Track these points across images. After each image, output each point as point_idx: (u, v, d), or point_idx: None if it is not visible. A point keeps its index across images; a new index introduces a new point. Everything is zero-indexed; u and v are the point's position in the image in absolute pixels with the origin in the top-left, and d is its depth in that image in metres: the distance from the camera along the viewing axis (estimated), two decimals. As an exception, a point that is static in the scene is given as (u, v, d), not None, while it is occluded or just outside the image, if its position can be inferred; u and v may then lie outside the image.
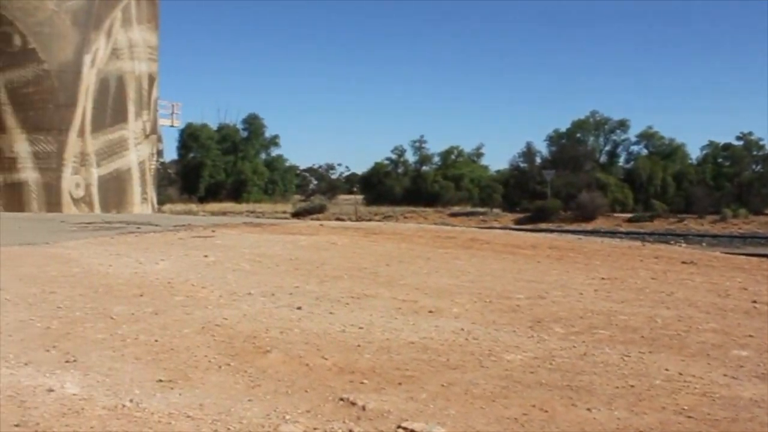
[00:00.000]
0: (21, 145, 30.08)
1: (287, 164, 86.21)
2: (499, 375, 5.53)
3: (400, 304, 8.43)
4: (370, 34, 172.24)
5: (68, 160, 30.46)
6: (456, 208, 68.80)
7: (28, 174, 30.21)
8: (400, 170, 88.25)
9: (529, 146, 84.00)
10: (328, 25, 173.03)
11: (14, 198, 30.17)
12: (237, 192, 75.77)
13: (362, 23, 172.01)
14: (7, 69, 29.93)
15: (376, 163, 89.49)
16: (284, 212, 59.84)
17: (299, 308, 7.99)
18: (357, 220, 35.78)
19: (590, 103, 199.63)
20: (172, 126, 42.05)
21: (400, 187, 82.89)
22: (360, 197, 78.79)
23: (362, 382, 5.29)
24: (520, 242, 16.92)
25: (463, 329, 7.08)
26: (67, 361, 5.70)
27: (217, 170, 76.94)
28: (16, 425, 4.33)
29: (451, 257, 13.52)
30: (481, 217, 62.05)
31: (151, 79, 33.76)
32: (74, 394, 4.90)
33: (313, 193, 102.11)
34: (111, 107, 31.53)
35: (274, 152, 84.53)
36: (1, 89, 30.00)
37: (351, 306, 8.30)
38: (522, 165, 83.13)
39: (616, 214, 63.54)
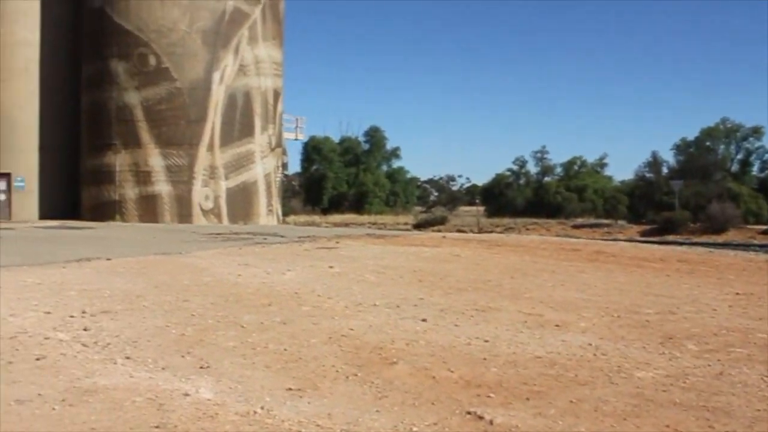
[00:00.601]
0: (155, 159, 31.45)
1: (408, 176, 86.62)
2: (630, 393, 5.37)
3: (526, 318, 8.33)
4: (490, 45, 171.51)
5: (198, 173, 31.63)
6: (579, 220, 67.37)
7: (162, 187, 31.53)
8: (521, 181, 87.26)
9: (655, 156, 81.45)
10: (448, 37, 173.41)
11: (149, 209, 31.55)
12: (359, 204, 76.69)
13: (481, 34, 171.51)
14: (143, 88, 31.41)
15: (498, 175, 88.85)
16: (406, 224, 60.12)
17: (424, 320, 8.01)
18: (479, 232, 35.58)
19: (720, 109, 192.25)
20: (296, 139, 43.12)
21: (521, 199, 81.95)
22: (481, 209, 78.28)
23: (489, 396, 5.24)
24: (647, 255, 16.44)
25: (590, 344, 6.93)
26: (201, 367, 5.90)
27: (340, 182, 78.13)
28: (156, 427, 4.51)
29: (576, 270, 13.26)
30: (605, 228, 60.49)
31: (276, 94, 34.66)
32: (208, 399, 5.06)
33: (433, 204, 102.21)
34: (238, 122, 32.54)
35: (396, 164, 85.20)
36: (138, 107, 31.47)
37: (476, 318, 8.25)
38: (648, 175, 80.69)
39: (749, 226, 60.77)
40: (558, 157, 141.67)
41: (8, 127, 35.14)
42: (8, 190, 35.34)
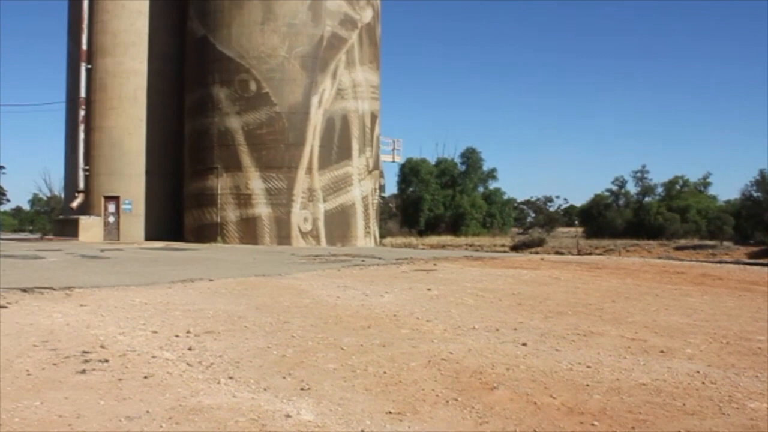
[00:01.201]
0: (255, 182, 32.16)
1: (505, 197, 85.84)
2: (743, 424, 5.15)
3: (629, 343, 8.11)
4: (585, 65, 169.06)
5: (297, 195, 32.17)
6: (682, 242, 65.35)
7: (262, 209, 32.19)
8: (621, 202, 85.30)
9: (763, 174, 78.41)
10: (543, 58, 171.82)
11: (249, 231, 32.25)
12: (455, 225, 76.39)
13: (576, 55, 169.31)
14: (244, 113, 32.24)
15: (596, 195, 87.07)
16: (503, 245, 59.55)
17: (524, 344, 7.89)
18: (578, 254, 34.94)
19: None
20: (393, 161, 43.26)
21: (621, 220, 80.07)
22: (580, 230, 76.87)
23: (593, 424, 5.11)
24: (756, 278, 15.82)
25: (698, 372, 6.69)
26: (301, 389, 5.95)
27: (436, 204, 78.06)
28: (259, 449, 4.57)
29: (680, 294, 12.86)
30: (710, 250, 58.47)
31: (374, 117, 35.00)
32: (309, 421, 5.10)
33: (531, 226, 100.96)
34: (336, 145, 32.99)
35: (492, 185, 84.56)
36: (239, 131, 32.30)
37: (577, 343, 8.08)
38: (755, 194, 77.69)
39: None
40: (659, 176, 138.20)
41: (118, 153, 36.60)
42: (117, 213, 36.76)
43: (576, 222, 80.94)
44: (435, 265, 18.34)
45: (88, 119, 37.29)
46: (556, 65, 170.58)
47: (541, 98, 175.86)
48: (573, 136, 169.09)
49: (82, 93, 37.46)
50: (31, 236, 57.08)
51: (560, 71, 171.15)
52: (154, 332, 8.32)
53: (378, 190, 36.74)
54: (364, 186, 34.10)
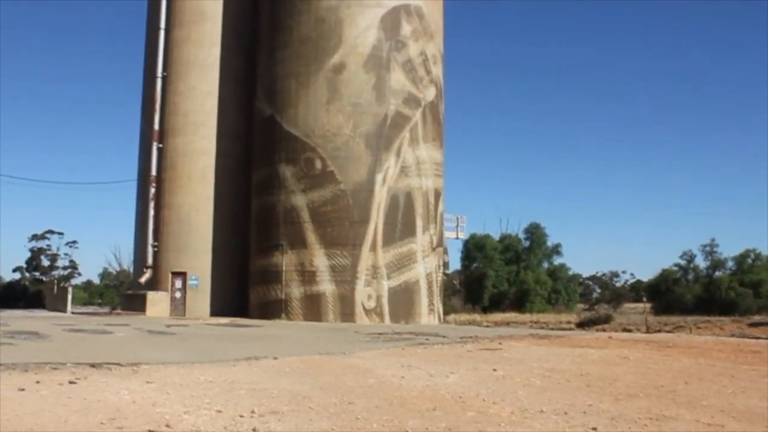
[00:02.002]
0: (320, 260, 32.38)
1: (570, 273, 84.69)
2: None
3: (705, 428, 7.81)
4: (651, 135, 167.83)
5: (361, 272, 32.24)
6: (756, 318, 63.21)
7: (326, 286, 32.32)
8: (690, 276, 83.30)
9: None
10: (605, 134, 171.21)
11: (313, 308, 32.34)
12: (520, 302, 75.42)
13: (640, 129, 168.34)
14: (310, 190, 32.71)
15: (664, 270, 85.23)
16: (568, 322, 58.39)
17: (594, 429, 7.66)
18: (647, 332, 34.04)
19: None
20: (456, 238, 43.19)
21: (690, 295, 78.08)
22: (648, 306, 75.13)
23: None
24: (839, 359, 15.16)
25: (781, 460, 6.38)
26: (367, 475, 5.85)
27: (500, 280, 77.35)
28: None
29: (758, 375, 12.39)
30: (787, 328, 56.46)
31: (437, 194, 35.13)
32: None
33: (597, 302, 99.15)
34: (400, 222, 33.12)
35: (557, 261, 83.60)
36: (304, 209, 32.72)
37: (650, 428, 7.82)
38: (834, 269, 75.19)
39: None
40: (729, 250, 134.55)
41: (186, 229, 37.37)
42: (184, 288, 37.33)
43: (643, 297, 79.03)
44: (500, 343, 18.07)
45: (158, 196, 38.26)
46: (618, 139, 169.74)
47: (605, 172, 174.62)
48: (639, 209, 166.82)
49: (153, 171, 38.56)
50: (100, 310, 58.16)
51: (624, 144, 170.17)
52: (219, 411, 8.32)
53: (442, 267, 36.59)
54: (428, 263, 34.03)
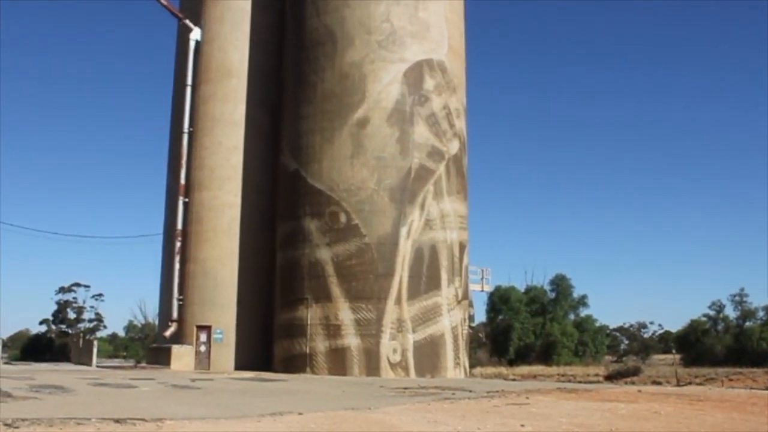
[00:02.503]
0: (344, 313, 32.30)
1: (597, 324, 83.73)
2: None
3: (740, 489, 7.64)
4: (677, 187, 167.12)
5: (386, 326, 32.10)
6: (790, 370, 62.04)
7: (351, 340, 32.17)
8: (719, 327, 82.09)
9: None
10: (631, 183, 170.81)
11: (338, 362, 32.18)
12: (546, 354, 74.60)
13: (667, 179, 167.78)
14: (334, 244, 32.78)
15: (692, 320, 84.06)
16: (596, 375, 57.63)
17: (625, 489, 7.52)
18: (677, 385, 33.48)
19: None
20: (482, 291, 42.95)
21: (721, 346, 76.87)
22: (677, 357, 74.00)
23: None
24: None
25: None
26: None
27: (526, 332, 76.62)
28: None
29: (793, 432, 12.14)
30: (821, 380, 55.25)
31: (462, 247, 35.06)
32: None
33: (625, 353, 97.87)
34: (425, 275, 33.04)
35: (583, 312, 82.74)
36: (329, 262, 32.76)
37: (682, 488, 7.66)
38: None
39: None
40: (759, 299, 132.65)
41: (212, 283, 37.52)
42: (208, 342, 37.34)
43: (673, 349, 77.96)
44: (527, 398, 17.85)
45: (184, 250, 38.52)
46: (644, 189, 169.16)
47: (631, 222, 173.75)
48: (666, 259, 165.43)
49: (179, 225, 38.90)
50: (125, 363, 58.23)
51: (649, 194, 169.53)
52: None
53: (467, 320, 36.36)
54: (453, 316, 33.84)
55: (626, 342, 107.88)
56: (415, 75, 34.09)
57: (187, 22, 40.66)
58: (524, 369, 62.44)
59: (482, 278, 41.90)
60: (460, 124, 35.78)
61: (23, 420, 11.80)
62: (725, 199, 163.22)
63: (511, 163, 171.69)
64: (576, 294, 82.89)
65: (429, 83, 34.35)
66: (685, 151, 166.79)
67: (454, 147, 34.97)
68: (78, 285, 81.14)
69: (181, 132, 39.61)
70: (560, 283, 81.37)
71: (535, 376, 50.87)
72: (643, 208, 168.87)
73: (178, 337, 37.80)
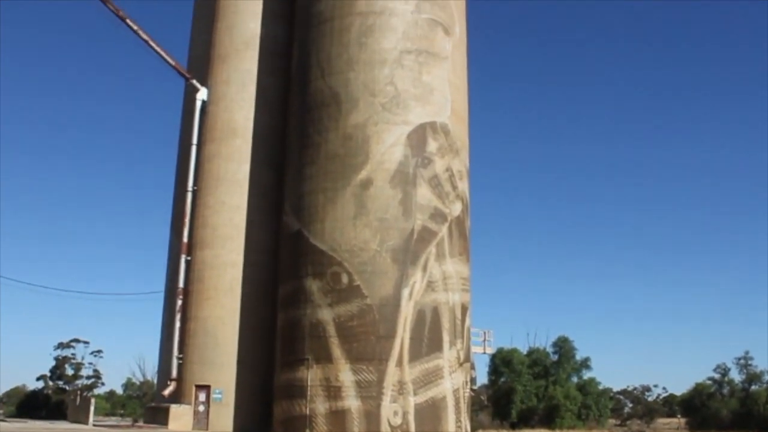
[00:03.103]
0: (345, 375, 32.01)
1: (600, 387, 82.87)
2: None
3: None
4: (681, 247, 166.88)
5: (387, 388, 31.78)
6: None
7: (351, 402, 31.82)
8: (725, 390, 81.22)
9: None
10: (634, 244, 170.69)
11: (338, 424, 31.79)
12: (549, 417, 73.63)
13: (664, 233, 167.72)
14: (336, 305, 32.64)
15: (697, 384, 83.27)
16: (599, 439, 57.00)
17: None
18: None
19: None
20: (484, 353, 42.63)
21: (726, 410, 75.96)
22: (682, 421, 73.16)
23: None
24: None
25: None
26: None
27: (528, 395, 75.78)
28: None
29: None
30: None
31: (464, 309, 34.90)
32: None
33: (629, 417, 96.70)
34: (427, 337, 32.82)
35: (586, 375, 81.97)
36: (330, 323, 32.59)
37: None
38: None
39: None
40: (764, 363, 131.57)
41: (212, 342, 37.29)
42: (207, 402, 36.98)
43: (677, 413, 77.11)
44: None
45: (185, 309, 38.41)
46: (646, 248, 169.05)
47: (634, 282, 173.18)
48: (669, 321, 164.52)
49: (181, 283, 38.87)
50: (122, 422, 57.54)
51: (652, 254, 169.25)
52: None
53: (469, 383, 36.00)
54: (455, 379, 33.53)
55: (630, 405, 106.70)
56: (418, 137, 34.35)
57: (195, 82, 41.24)
58: (526, 432, 61.66)
59: (484, 340, 41.62)
60: (463, 186, 35.92)
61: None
62: (730, 260, 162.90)
63: (513, 225, 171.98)
64: (579, 356, 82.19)
65: (432, 146, 34.60)
66: (688, 207, 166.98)
67: (456, 209, 35.06)
68: (77, 341, 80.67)
69: (186, 190, 39.83)
70: (563, 345, 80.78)
71: (537, 440, 50.18)
72: (646, 268, 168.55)
73: (177, 396, 37.44)
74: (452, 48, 36.96)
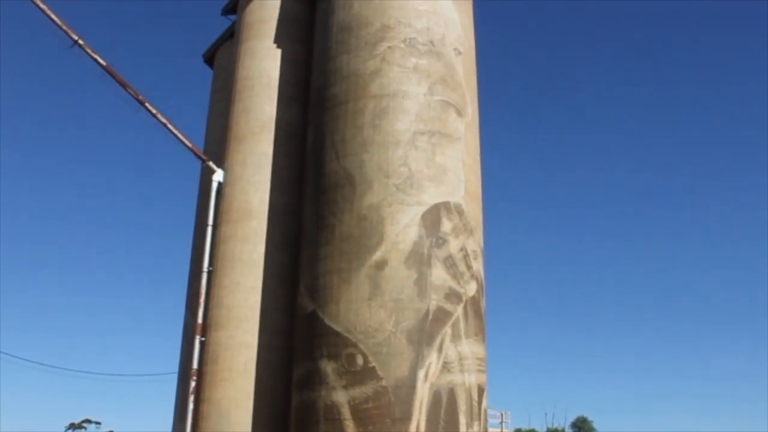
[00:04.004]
0: (360, 459, 31.48)
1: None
2: None
3: None
4: (700, 316, 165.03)
5: (403, 472, 31.19)
6: None
7: (366, 487, 31.23)
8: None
9: None
10: (652, 316, 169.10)
11: None
12: (568, 500, 72.19)
13: (689, 305, 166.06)
14: (351, 387, 32.30)
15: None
16: None
17: None
18: None
19: None
20: (501, 435, 42.07)
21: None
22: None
23: None
24: None
25: None
26: None
27: (547, 477, 74.37)
28: None
29: None
30: None
31: (481, 390, 34.45)
32: None
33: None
34: (443, 419, 32.31)
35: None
36: (345, 405, 32.20)
37: None
38: None
39: None
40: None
41: (225, 425, 36.91)
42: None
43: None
44: None
45: (198, 390, 38.18)
46: (668, 320, 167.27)
47: (656, 357, 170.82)
48: (694, 398, 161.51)
49: (195, 364, 38.74)
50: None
51: (675, 327, 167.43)
52: None
53: (486, 466, 35.33)
54: (472, 462, 32.91)
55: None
56: (432, 218, 34.46)
57: (211, 164, 41.82)
58: None
59: (501, 422, 41.14)
60: (478, 266, 35.87)
61: None
62: (753, 333, 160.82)
63: (529, 304, 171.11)
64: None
65: (446, 226, 34.68)
66: (712, 269, 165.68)
67: (471, 289, 34.94)
68: (89, 421, 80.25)
69: (201, 271, 40.04)
70: (582, 426, 79.59)
71: None
72: (669, 342, 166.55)
73: (190, 480, 36.92)
74: (465, 129, 37.36)
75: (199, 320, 39.26)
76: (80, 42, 38.48)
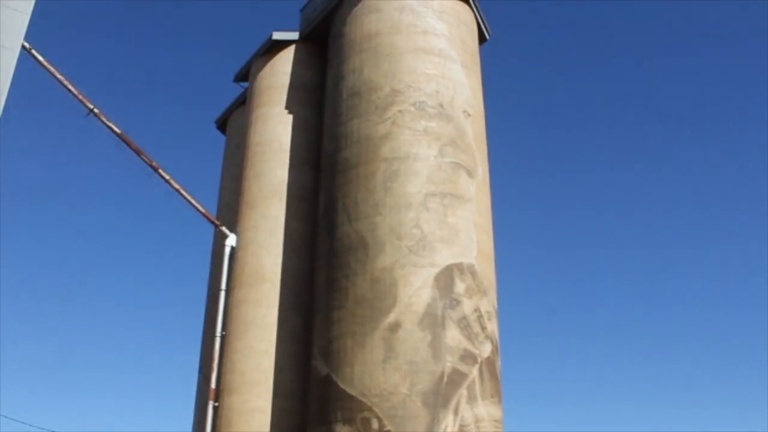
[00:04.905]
0: None
1: None
2: None
3: None
4: (730, 358, 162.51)
5: None
6: None
7: None
8: None
9: None
10: (673, 365, 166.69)
11: None
12: None
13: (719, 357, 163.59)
14: (367, 450, 31.98)
15: None
16: None
17: None
18: None
19: None
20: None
21: None
22: None
23: None
24: None
25: None
26: None
27: None
28: None
29: None
30: None
31: (499, 453, 34.04)
32: None
33: None
34: (460, 484, 31.88)
35: None
36: (362, 463, 31.84)
37: None
38: None
39: None
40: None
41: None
42: None
43: None
44: None
45: (213, 457, 37.75)
46: (695, 372, 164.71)
47: (684, 403, 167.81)
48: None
49: (208, 429, 38.35)
50: None
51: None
52: None
53: None
54: None
55: None
56: (445, 279, 34.46)
57: (224, 228, 42.09)
58: None
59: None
60: (492, 326, 35.72)
61: None
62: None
63: (545, 362, 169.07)
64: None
65: (460, 287, 34.65)
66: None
67: (486, 350, 34.73)
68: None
69: (214, 335, 39.96)
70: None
71: None
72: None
73: None
74: (476, 189, 37.57)
75: (213, 385, 39.05)
76: (95, 111, 39.13)
